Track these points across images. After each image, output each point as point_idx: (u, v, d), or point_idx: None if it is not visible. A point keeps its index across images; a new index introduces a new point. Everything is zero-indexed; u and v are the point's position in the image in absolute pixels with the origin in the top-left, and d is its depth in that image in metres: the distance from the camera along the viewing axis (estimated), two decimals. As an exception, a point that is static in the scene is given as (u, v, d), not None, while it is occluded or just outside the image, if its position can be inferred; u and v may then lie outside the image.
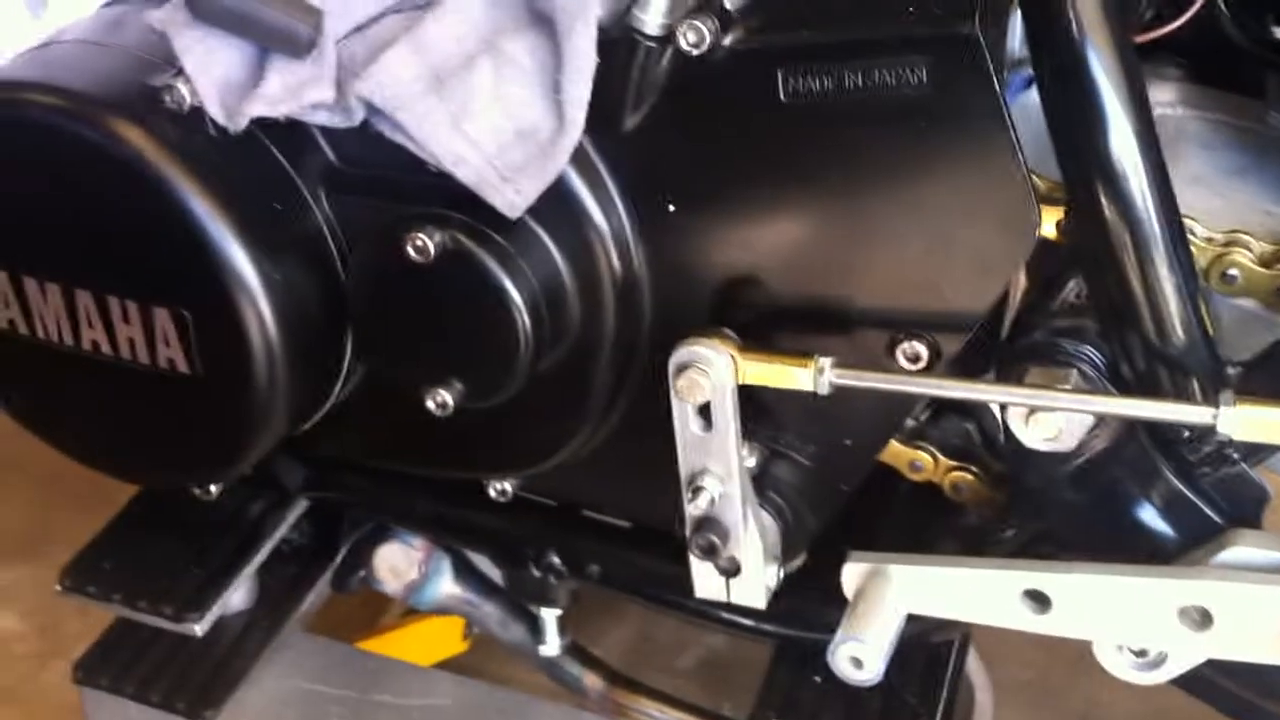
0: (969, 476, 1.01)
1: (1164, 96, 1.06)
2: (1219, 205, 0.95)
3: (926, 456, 1.01)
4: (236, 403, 0.93)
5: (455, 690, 1.24)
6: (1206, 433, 0.76)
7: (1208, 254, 0.87)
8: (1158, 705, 2.05)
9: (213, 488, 1.09)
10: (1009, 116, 0.80)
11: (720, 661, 2.08)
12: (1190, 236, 0.87)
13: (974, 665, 1.85)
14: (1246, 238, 0.87)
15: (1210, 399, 0.76)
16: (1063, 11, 0.79)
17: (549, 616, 1.18)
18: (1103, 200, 0.80)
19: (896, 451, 1.02)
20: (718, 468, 0.90)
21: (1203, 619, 0.80)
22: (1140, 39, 0.95)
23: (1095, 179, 0.80)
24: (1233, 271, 0.86)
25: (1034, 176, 0.90)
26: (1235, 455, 0.83)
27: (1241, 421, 0.74)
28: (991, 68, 0.78)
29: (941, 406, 1.06)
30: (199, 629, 1.14)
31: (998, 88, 0.78)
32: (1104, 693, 2.08)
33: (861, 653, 0.84)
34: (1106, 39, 0.78)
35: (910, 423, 1.03)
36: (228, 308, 0.89)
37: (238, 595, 1.25)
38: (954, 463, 1.01)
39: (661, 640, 2.16)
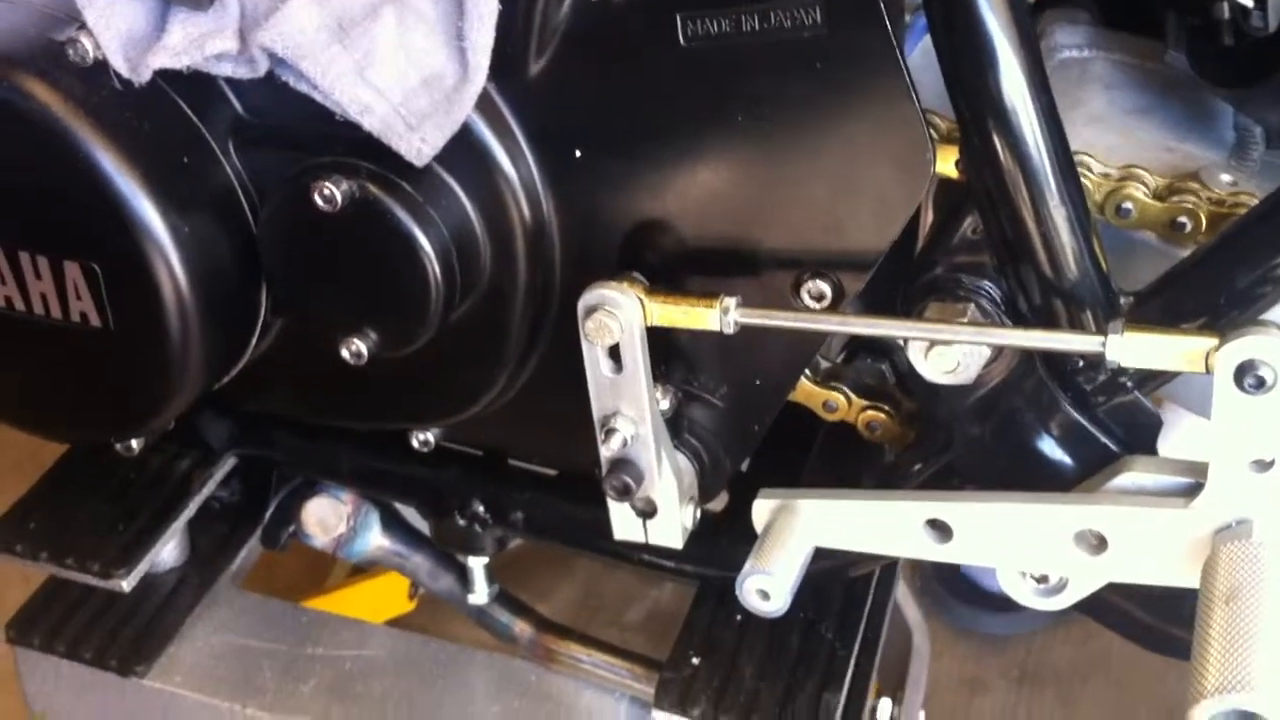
0: (882, 415, 1.02)
1: (1072, 40, 1.08)
2: (1120, 143, 0.97)
3: (840, 397, 1.03)
4: (150, 356, 0.93)
5: (388, 642, 1.25)
6: (1098, 361, 0.78)
7: (1103, 189, 0.89)
8: (1095, 650, 2.10)
9: (134, 443, 1.09)
10: (903, 57, 0.81)
11: (666, 615, 2.11)
12: (1086, 172, 0.89)
13: (911, 610, 1.88)
14: (1141, 172, 0.89)
15: (1101, 328, 0.78)
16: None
17: (476, 565, 1.19)
18: (994, 138, 0.81)
19: (810, 392, 1.03)
20: (630, 409, 0.91)
21: (1098, 543, 0.83)
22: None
23: (986, 117, 0.81)
24: (1127, 205, 0.88)
25: (935, 117, 0.92)
26: (1129, 384, 0.85)
27: (1129, 348, 0.76)
28: (884, 9, 0.80)
29: (855, 348, 1.08)
30: (126, 585, 1.15)
31: (889, 28, 0.80)
32: (1043, 639, 2.12)
33: (768, 585, 0.85)
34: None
35: (824, 364, 1.05)
36: (137, 261, 0.89)
37: (168, 553, 1.26)
38: (867, 402, 1.02)
39: (608, 596, 2.18)
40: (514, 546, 2.06)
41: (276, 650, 1.23)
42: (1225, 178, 0.90)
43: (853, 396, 1.03)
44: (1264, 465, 0.77)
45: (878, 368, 1.06)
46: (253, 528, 1.29)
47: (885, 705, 1.74)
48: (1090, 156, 0.89)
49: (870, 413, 1.03)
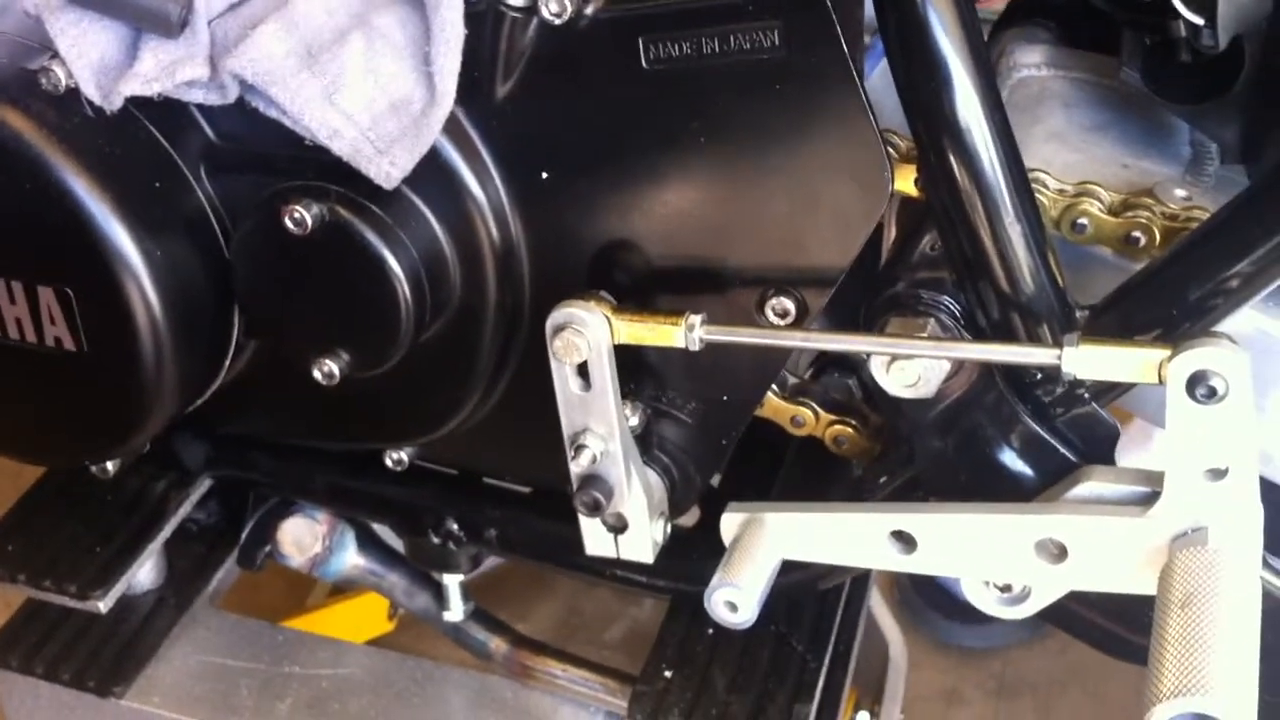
0: (849, 430, 1.04)
1: (1031, 59, 1.10)
2: (1077, 159, 0.99)
3: (808, 412, 1.04)
4: (124, 379, 0.94)
5: (365, 660, 1.26)
6: (1055, 374, 0.80)
7: (1059, 205, 0.90)
8: (1072, 661, 2.11)
9: (109, 466, 1.10)
10: (860, 78, 0.83)
11: (645, 633, 2.11)
12: (1042, 189, 0.91)
13: (887, 623, 1.89)
14: (1096, 188, 0.90)
15: (1057, 341, 0.80)
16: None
17: (451, 583, 1.20)
18: (949, 157, 0.83)
19: (778, 408, 1.05)
20: (599, 426, 0.92)
21: (1059, 552, 0.84)
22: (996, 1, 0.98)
23: (941, 137, 0.83)
24: (1082, 221, 0.90)
25: (894, 136, 0.93)
26: (1087, 395, 0.87)
27: (1084, 361, 0.78)
28: (840, 32, 0.81)
29: (823, 364, 1.10)
30: (103, 606, 1.16)
31: (846, 50, 0.81)
32: (1020, 651, 2.14)
33: (736, 597, 0.87)
34: (946, 2, 0.81)
35: (792, 380, 1.07)
36: (110, 285, 0.91)
37: (145, 575, 1.27)
38: (834, 417, 1.04)
39: (588, 615, 2.19)
40: (494, 567, 2.08)
41: (254, 669, 1.24)
42: (1180, 193, 0.92)
43: (820, 411, 1.04)
44: (1218, 474, 0.78)
45: (844, 383, 1.08)
46: (229, 549, 1.30)
47: (863, 718, 1.76)
48: (1046, 173, 0.91)
49: (837, 427, 1.04)
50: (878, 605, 1.90)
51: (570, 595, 2.22)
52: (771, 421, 1.06)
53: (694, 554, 1.07)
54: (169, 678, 1.23)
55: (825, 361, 1.10)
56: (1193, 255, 0.82)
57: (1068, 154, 0.99)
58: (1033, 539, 0.84)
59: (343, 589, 1.92)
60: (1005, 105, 0.94)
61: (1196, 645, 0.72)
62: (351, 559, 1.23)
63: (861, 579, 1.22)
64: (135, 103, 0.89)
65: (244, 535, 1.26)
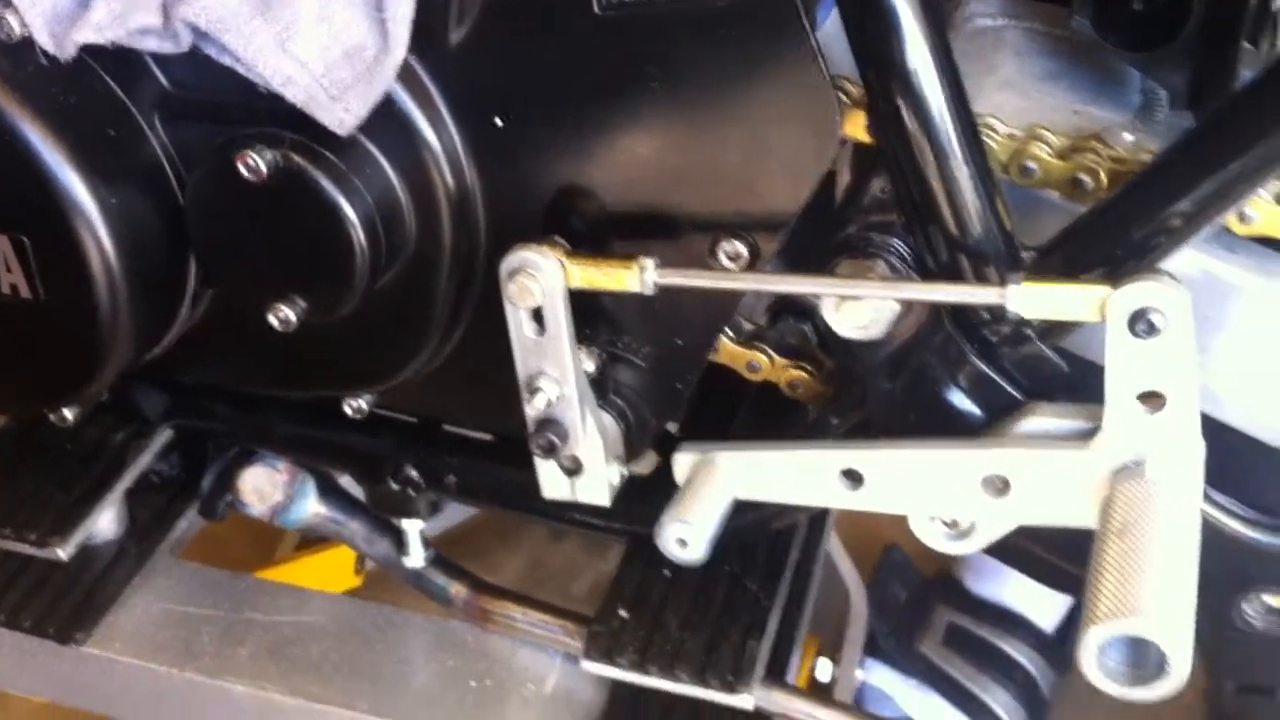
0: (803, 374, 1.05)
1: (986, 8, 1.11)
2: (1028, 106, 1.00)
3: (763, 357, 1.06)
4: (80, 326, 0.95)
5: (326, 606, 1.27)
6: (1001, 313, 0.81)
7: (1007, 149, 0.92)
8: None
9: (68, 414, 1.11)
10: (810, 25, 0.84)
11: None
12: (991, 133, 0.92)
13: (848, 572, 1.92)
14: (1045, 132, 0.92)
15: (1003, 281, 0.81)
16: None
17: (411, 529, 1.21)
18: (898, 102, 0.84)
19: (734, 353, 1.06)
20: (553, 370, 0.93)
21: (1003, 486, 0.86)
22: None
23: (890, 83, 0.84)
24: (1030, 164, 0.91)
25: (847, 83, 0.94)
26: (1032, 335, 0.88)
27: (1028, 299, 0.80)
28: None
29: (779, 310, 1.11)
30: (63, 553, 1.16)
31: (796, -4, 0.83)
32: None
33: (686, 534, 0.88)
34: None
35: (748, 326, 1.08)
36: (66, 233, 0.91)
37: (106, 525, 1.28)
38: (789, 361, 1.05)
39: (554, 568, 2.21)
40: (459, 523, 2.10)
41: (215, 616, 1.25)
42: (1128, 137, 0.94)
43: (775, 357, 1.06)
44: (1157, 407, 0.80)
45: (800, 329, 1.09)
46: (190, 499, 1.31)
47: (825, 665, 1.79)
48: (995, 119, 0.92)
49: (792, 372, 1.06)
50: (838, 555, 1.93)
51: (535, 550, 2.23)
52: (729, 368, 1.07)
53: (651, 498, 1.08)
54: (130, 625, 1.24)
55: (781, 308, 1.11)
56: (1135, 196, 0.83)
57: (1019, 101, 1.00)
58: (977, 474, 0.86)
59: (310, 544, 1.93)
60: (959, 54, 0.96)
61: (1132, 571, 0.74)
62: (312, 507, 1.24)
63: (817, 523, 1.24)
64: (89, 51, 0.89)
65: (205, 485, 1.27)
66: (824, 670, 1.77)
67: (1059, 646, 1.85)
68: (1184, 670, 0.72)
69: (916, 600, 1.93)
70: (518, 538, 2.19)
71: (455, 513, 2.05)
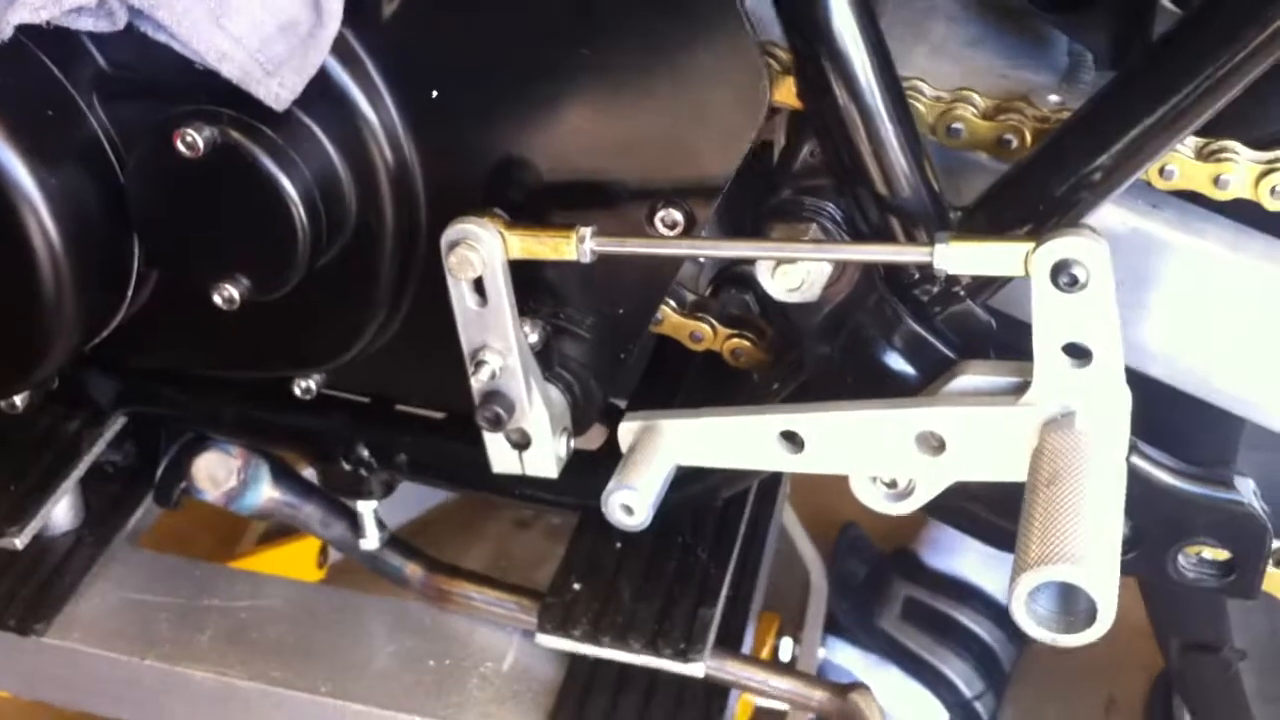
0: (745, 342, 1.06)
1: (920, -25, 1.13)
2: (956, 70, 1.02)
3: (706, 327, 1.07)
4: (24, 310, 0.95)
5: (283, 590, 1.28)
6: (931, 272, 0.82)
7: (934, 111, 0.93)
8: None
9: (17, 401, 1.11)
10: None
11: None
12: (919, 96, 0.93)
13: (807, 550, 1.94)
14: (971, 94, 0.93)
15: (931, 240, 0.83)
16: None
17: (366, 510, 1.22)
18: (824, 66, 0.86)
19: (677, 324, 1.07)
20: (497, 342, 0.94)
21: (939, 444, 0.87)
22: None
23: (815, 46, 0.86)
24: (957, 126, 0.92)
25: (777, 49, 0.96)
26: (962, 293, 0.90)
27: (955, 257, 0.81)
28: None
29: (722, 280, 1.12)
30: (19, 542, 1.16)
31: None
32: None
33: (631, 499, 0.89)
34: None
35: (691, 297, 1.09)
36: (6, 215, 0.91)
37: (63, 516, 1.28)
38: (731, 331, 1.06)
39: (518, 557, 2.22)
40: (423, 513, 2.10)
41: (173, 603, 1.26)
42: (1053, 98, 0.95)
43: (718, 326, 1.07)
44: (1083, 360, 0.82)
45: (741, 299, 1.10)
46: (146, 488, 1.31)
47: (787, 644, 1.81)
48: (923, 82, 0.94)
49: (735, 341, 1.07)
50: (797, 533, 1.95)
51: (499, 539, 2.24)
52: (674, 342, 1.08)
53: (601, 471, 1.09)
54: (89, 614, 1.24)
55: (724, 279, 1.12)
56: (1054, 153, 0.85)
57: (948, 65, 1.02)
58: (912, 432, 0.87)
59: (272, 538, 1.94)
60: (891, 21, 0.97)
61: (1060, 520, 0.75)
62: (267, 492, 1.24)
63: (769, 493, 1.25)
64: (25, 32, 0.90)
65: (159, 472, 1.27)
66: (786, 649, 1.78)
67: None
68: (1110, 615, 0.73)
69: (875, 576, 1.95)
70: (482, 527, 2.19)
71: (417, 503, 2.06)
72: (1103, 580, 0.73)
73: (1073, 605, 0.75)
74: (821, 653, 1.86)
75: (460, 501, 2.17)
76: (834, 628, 1.89)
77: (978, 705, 1.85)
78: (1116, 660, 1.92)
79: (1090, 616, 0.74)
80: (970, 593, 1.87)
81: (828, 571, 1.91)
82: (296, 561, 1.93)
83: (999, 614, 1.85)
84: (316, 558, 1.93)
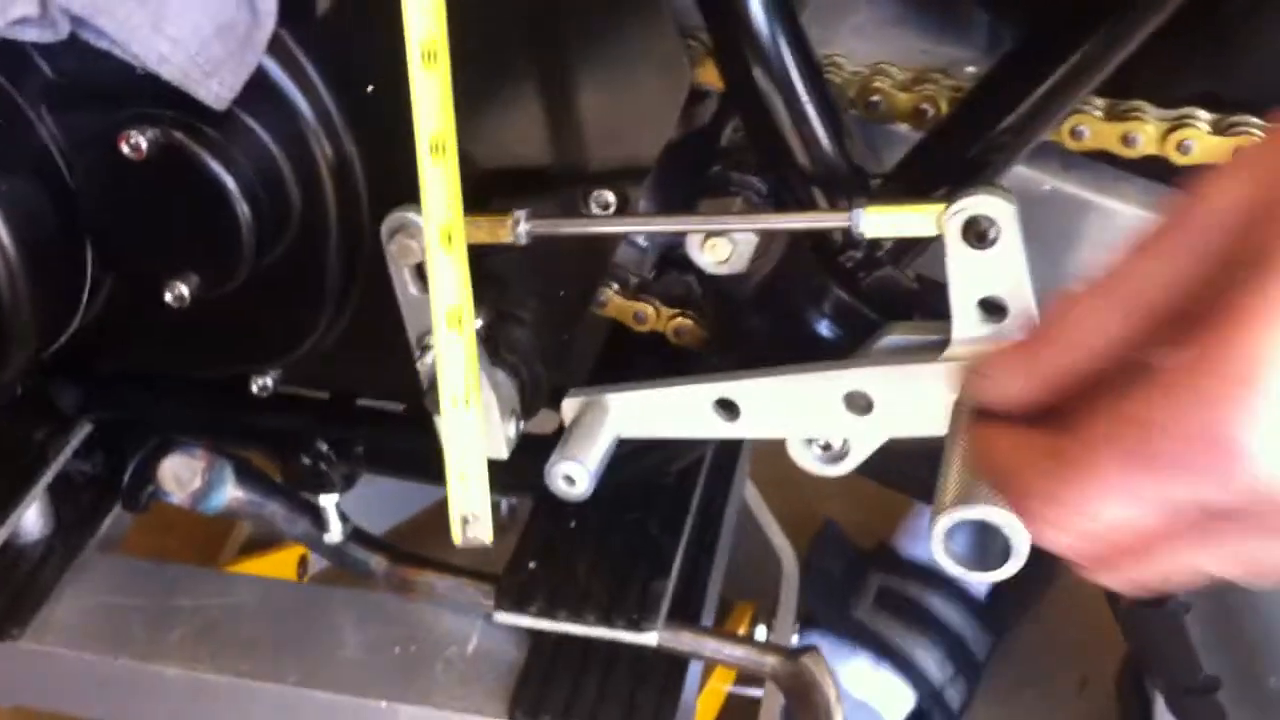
0: (687, 321, 1.10)
1: (845, -40, 1.16)
2: (878, 49, 1.05)
3: (649, 308, 1.10)
4: (-21, 317, 0.98)
5: (253, 588, 1.31)
6: (852, 239, 0.86)
7: (854, 84, 0.96)
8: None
9: (-22, 408, 1.14)
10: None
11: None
12: (838, 71, 0.97)
13: (778, 537, 1.96)
14: (889, 68, 0.97)
15: (850, 207, 0.86)
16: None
17: (328, 504, 1.25)
18: (742, 49, 0.89)
19: (621, 306, 1.10)
20: (441, 326, 0.97)
21: (867, 405, 0.90)
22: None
23: (734, 31, 0.89)
24: (875, 98, 0.96)
25: (703, 33, 0.99)
26: (885, 259, 0.93)
27: (873, 221, 0.84)
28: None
29: (664, 263, 1.15)
30: (-14, 549, 1.19)
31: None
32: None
33: (573, 470, 0.92)
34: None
35: (634, 280, 1.12)
36: (-41, 224, 0.95)
37: (33, 525, 1.31)
38: (673, 310, 1.10)
39: (499, 560, 2.24)
40: (404, 521, 2.12)
41: (145, 605, 1.28)
42: (970, 69, 0.99)
43: (660, 307, 1.10)
44: (997, 315, 0.85)
45: (683, 280, 1.13)
46: (114, 495, 1.34)
47: (761, 630, 1.84)
48: (842, 58, 0.97)
49: (677, 320, 1.10)
50: (767, 523, 1.98)
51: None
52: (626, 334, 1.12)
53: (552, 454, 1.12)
54: (63, 618, 1.27)
55: (666, 261, 1.15)
56: (964, 117, 0.88)
57: (870, 45, 1.05)
58: (840, 393, 0.89)
59: (252, 549, 1.96)
60: (816, 4, 1.00)
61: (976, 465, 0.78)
62: (231, 491, 1.27)
63: (724, 471, 1.28)
64: (-28, 47, 0.93)
65: (126, 476, 1.30)
66: (760, 636, 1.81)
67: (990, 608, 1.90)
68: (1024, 551, 0.76)
69: (851, 572, 1.98)
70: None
71: (394, 513, 2.08)
72: (1016, 519, 0.76)
73: (990, 544, 0.78)
74: (795, 640, 1.89)
75: (437, 509, 2.19)
76: (809, 622, 1.91)
77: (948, 691, 1.88)
78: (1088, 642, 1.96)
79: (1005, 553, 0.77)
80: (943, 580, 1.90)
81: (805, 567, 1.94)
82: (276, 572, 1.95)
83: (972, 602, 1.88)
84: (296, 568, 1.96)
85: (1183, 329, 0.54)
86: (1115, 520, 0.58)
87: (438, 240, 0.88)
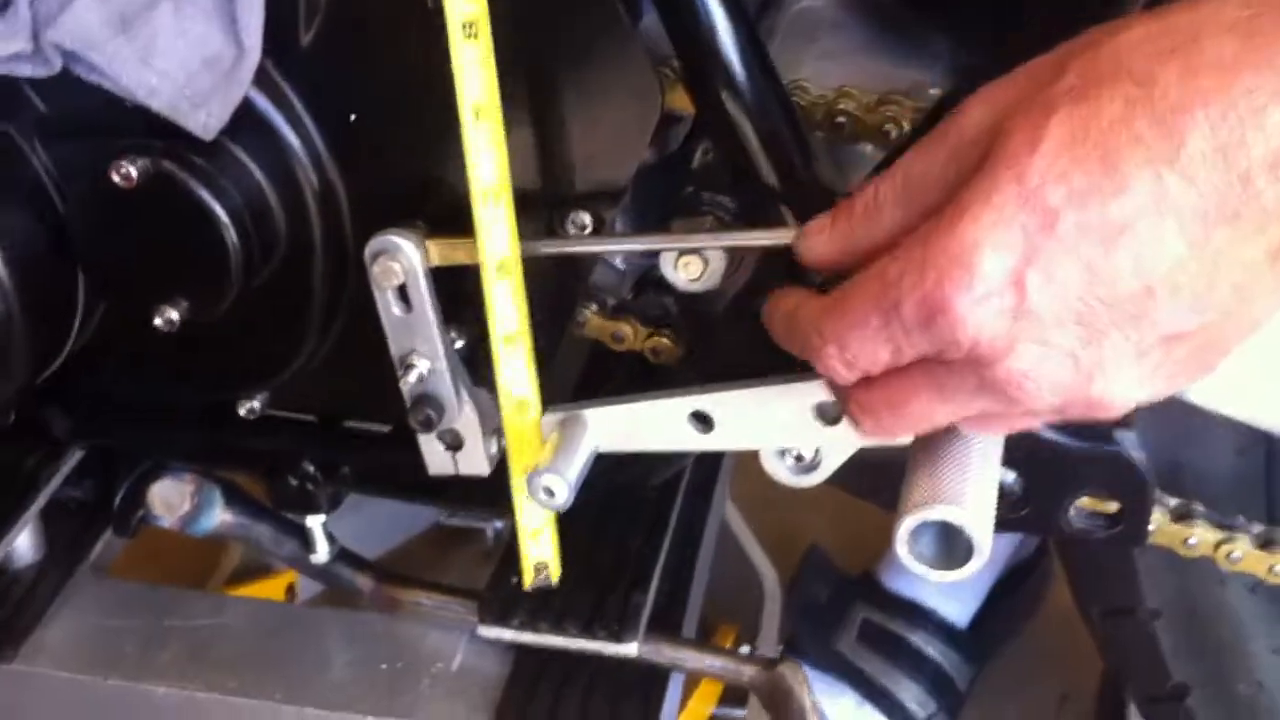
0: (664, 340, 1.13)
1: (813, -7, 1.20)
2: (845, 73, 1.08)
3: (627, 328, 1.13)
4: (-24, 346, 1.01)
5: (242, 608, 1.33)
6: (819, 253, 0.89)
7: (821, 107, 1.00)
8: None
9: (-28, 435, 1.17)
10: (621, 5, 0.92)
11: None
12: (806, 94, 1.00)
13: (759, 558, 1.99)
14: (854, 91, 1.00)
15: (813, 223, 0.89)
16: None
17: (315, 525, 1.27)
18: (711, 75, 0.92)
19: (600, 326, 1.13)
20: (424, 346, 1.00)
21: (835, 415, 0.93)
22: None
23: (703, 60, 0.92)
24: (841, 120, 0.99)
25: (671, 61, 1.03)
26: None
27: (837, 237, 0.87)
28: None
29: (642, 284, 1.19)
30: (-21, 573, 1.22)
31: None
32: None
33: (553, 483, 0.95)
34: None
35: (612, 301, 1.16)
36: (-44, 258, 0.97)
37: (26, 550, 1.34)
38: (650, 330, 1.13)
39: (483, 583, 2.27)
40: (389, 551, 2.15)
41: (136, 626, 1.31)
42: (933, 91, 1.02)
43: (638, 327, 1.13)
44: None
45: (661, 300, 1.17)
46: (105, 520, 1.36)
47: (744, 651, 1.86)
48: (808, 82, 1.01)
49: (654, 339, 1.13)
50: (752, 549, 2.01)
51: (464, 571, 2.29)
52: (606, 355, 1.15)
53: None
54: (55, 641, 1.29)
55: (644, 283, 1.19)
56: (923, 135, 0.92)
57: (837, 69, 1.08)
58: (810, 404, 0.93)
59: (241, 578, 1.99)
60: (785, 32, 1.04)
61: (939, 467, 0.81)
62: (220, 514, 1.30)
63: (703, 489, 1.31)
64: (-33, 84, 0.96)
65: (117, 502, 1.33)
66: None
67: (972, 640, 1.92)
68: (986, 550, 0.80)
69: (835, 599, 2.00)
70: (447, 562, 2.25)
71: (380, 543, 2.11)
72: (979, 519, 0.79)
73: (953, 545, 0.81)
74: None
75: (424, 538, 2.23)
76: (793, 650, 1.94)
77: None
78: (1068, 658, 1.99)
79: (968, 553, 0.80)
80: (925, 615, 1.92)
81: (791, 593, 1.97)
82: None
83: (954, 636, 1.91)
84: (284, 596, 1.98)
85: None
86: (864, 351, 0.73)
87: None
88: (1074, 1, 0.86)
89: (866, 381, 0.77)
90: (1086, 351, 0.66)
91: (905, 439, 0.91)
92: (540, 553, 1.05)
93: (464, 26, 0.87)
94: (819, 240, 0.80)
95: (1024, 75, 0.71)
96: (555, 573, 1.05)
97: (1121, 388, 0.67)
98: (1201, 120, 0.61)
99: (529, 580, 1.05)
